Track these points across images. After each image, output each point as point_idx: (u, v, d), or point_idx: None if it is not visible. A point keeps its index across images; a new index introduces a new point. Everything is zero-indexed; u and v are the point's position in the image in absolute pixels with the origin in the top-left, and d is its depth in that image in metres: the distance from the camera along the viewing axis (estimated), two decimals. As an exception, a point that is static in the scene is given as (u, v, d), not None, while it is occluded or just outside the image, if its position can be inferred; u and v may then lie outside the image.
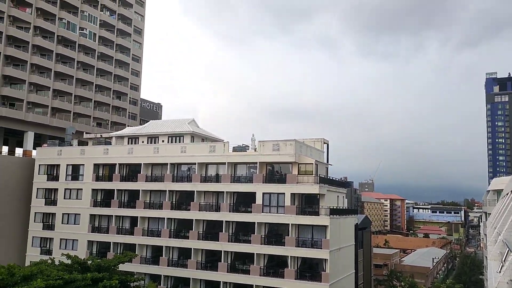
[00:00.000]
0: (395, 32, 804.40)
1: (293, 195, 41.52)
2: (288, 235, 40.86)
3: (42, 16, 64.11)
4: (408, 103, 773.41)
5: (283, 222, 41.48)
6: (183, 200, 47.12)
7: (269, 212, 42.01)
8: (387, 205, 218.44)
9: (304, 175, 41.75)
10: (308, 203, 42.16)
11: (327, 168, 47.84)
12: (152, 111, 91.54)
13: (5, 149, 68.87)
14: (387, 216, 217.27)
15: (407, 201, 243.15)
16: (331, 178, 46.22)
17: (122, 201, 49.66)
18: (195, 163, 46.07)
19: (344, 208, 47.69)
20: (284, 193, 41.56)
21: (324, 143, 49.61)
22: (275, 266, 41.66)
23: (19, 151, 66.54)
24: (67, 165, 52.77)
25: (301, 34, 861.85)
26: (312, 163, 41.99)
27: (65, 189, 52.26)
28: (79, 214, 50.85)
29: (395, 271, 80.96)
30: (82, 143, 61.52)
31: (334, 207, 42.70)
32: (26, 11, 61.81)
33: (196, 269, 43.92)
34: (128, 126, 72.32)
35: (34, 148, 60.25)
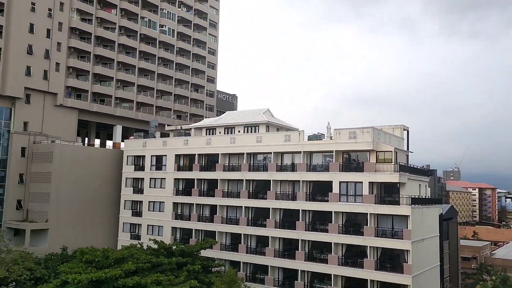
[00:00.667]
0: (482, 9, 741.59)
1: (371, 184, 40.34)
2: (367, 225, 39.88)
3: (126, 16, 68.22)
4: (496, 84, 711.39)
5: (361, 212, 40.55)
6: (260, 189, 47.86)
7: (346, 201, 41.28)
8: (475, 195, 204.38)
9: (382, 163, 40.37)
10: (387, 192, 40.73)
11: (408, 155, 45.79)
12: (228, 102, 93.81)
13: (97, 142, 74.85)
14: (475, 206, 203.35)
15: (498, 190, 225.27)
16: (412, 166, 44.20)
17: (202, 190, 51.63)
18: (270, 153, 46.50)
19: (427, 197, 45.43)
20: (361, 182, 40.53)
21: (404, 129, 47.49)
22: (353, 256, 40.94)
23: (109, 144, 71.89)
24: (151, 156, 55.94)
25: (377, 17, 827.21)
26: (391, 151, 40.43)
27: (150, 178, 55.52)
28: (163, 202, 53.82)
29: (485, 264, 75.70)
30: (164, 135, 64.86)
31: (416, 196, 40.82)
32: (112, 12, 66.11)
33: (274, 256, 44.54)
34: (206, 117, 74.89)
35: (122, 141, 64.69)
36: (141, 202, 55.87)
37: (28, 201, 54.83)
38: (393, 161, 40.05)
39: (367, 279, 39.08)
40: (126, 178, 57.81)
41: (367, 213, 39.93)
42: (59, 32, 58.97)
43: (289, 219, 44.92)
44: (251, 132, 52.42)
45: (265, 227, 45.57)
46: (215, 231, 48.84)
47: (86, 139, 73.53)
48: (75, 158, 55.75)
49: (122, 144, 63.61)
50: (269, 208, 45.57)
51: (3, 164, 53.87)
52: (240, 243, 47.13)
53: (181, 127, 61.93)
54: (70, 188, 54.71)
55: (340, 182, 41.73)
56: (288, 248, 44.64)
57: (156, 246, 40.07)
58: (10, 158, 54.05)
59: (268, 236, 45.25)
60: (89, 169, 56.88)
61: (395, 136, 45.68)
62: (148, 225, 54.50)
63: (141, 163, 57.07)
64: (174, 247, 39.71)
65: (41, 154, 54.77)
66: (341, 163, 42.24)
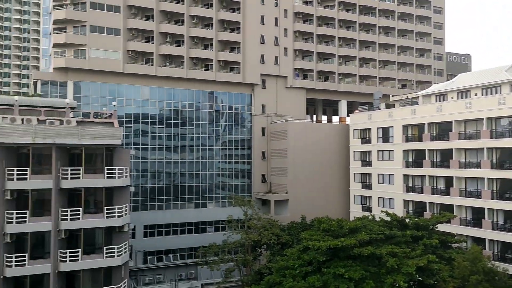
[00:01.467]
0: None
1: None
2: None
3: (343, -9, 68.72)
4: None
5: None
6: (506, 158, 41.65)
7: None
8: None
9: None
10: None
11: None
12: (460, 64, 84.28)
13: (324, 118, 78.65)
14: None
15: None
16: None
17: (434, 161, 48.34)
18: (518, 116, 39.80)
19: None
20: None
21: None
22: None
23: (335, 119, 74.59)
24: (377, 128, 55.33)
25: None
26: None
27: (378, 151, 55.11)
28: (393, 174, 52.75)
29: None
30: (389, 106, 63.12)
31: None
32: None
33: (529, 236, 38.43)
34: (434, 83, 69.27)
35: (348, 115, 66.12)
36: (369, 174, 56.18)
37: (270, 174, 62.18)
38: None
39: None
40: (353, 151, 58.98)
41: None
42: (285, 18, 63.78)
43: (547, 193, 37.87)
44: (490, 94, 45.94)
45: (515, 201, 39.62)
46: (452, 205, 45.16)
47: (314, 116, 78.05)
48: (306, 135, 59.95)
49: (348, 119, 65.01)
50: (520, 180, 39.33)
51: (248, 143, 62.40)
52: (484, 218, 42.33)
53: (407, 96, 59.19)
54: (303, 162, 59.27)
55: None
56: (548, 227, 37.77)
57: (388, 218, 39.77)
58: (254, 138, 62.16)
59: (520, 212, 39.23)
60: (319, 144, 60.34)
61: None
62: (378, 197, 54.50)
63: (367, 136, 57.19)
64: (407, 220, 38.63)
65: (277, 132, 61.08)
66: None
